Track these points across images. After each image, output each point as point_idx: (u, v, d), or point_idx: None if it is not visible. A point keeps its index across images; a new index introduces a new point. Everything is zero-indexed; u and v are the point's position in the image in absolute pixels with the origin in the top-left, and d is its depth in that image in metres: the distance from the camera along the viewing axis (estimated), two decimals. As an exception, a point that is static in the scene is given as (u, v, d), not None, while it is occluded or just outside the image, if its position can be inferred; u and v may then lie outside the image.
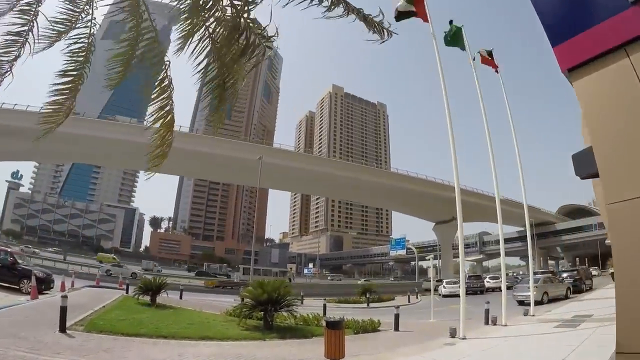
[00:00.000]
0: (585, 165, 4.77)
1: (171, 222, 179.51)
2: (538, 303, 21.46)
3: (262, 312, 13.32)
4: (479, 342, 11.97)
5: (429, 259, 22.32)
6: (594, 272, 52.05)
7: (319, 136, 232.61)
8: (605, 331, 11.89)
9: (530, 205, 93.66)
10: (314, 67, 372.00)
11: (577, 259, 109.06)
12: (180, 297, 24.41)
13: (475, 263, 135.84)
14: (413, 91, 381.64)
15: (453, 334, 12.51)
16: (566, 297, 26.19)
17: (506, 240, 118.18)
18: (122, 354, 8.88)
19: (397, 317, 14.81)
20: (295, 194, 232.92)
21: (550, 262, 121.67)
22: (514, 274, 63.95)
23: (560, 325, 14.13)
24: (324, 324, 8.80)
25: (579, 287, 29.95)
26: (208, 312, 17.30)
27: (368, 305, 27.70)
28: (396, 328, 14.58)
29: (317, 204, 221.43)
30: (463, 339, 12.14)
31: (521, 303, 23.59)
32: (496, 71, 19.80)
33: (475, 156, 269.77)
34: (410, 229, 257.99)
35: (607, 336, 10.94)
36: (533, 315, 17.58)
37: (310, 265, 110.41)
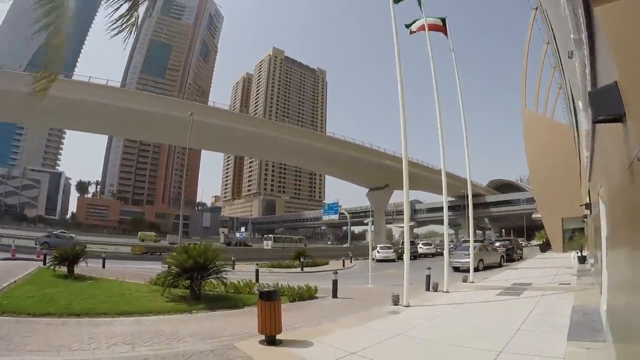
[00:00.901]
0: (608, 104, 3.64)
1: (99, 187, 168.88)
2: (474, 270, 21.45)
3: (189, 280, 11.83)
4: (424, 310, 11.26)
5: (367, 223, 21.42)
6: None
7: (255, 99, 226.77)
8: (550, 300, 12.13)
9: (462, 177, 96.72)
10: (256, 28, 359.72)
11: (503, 230, 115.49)
12: (103, 266, 22.33)
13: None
14: (355, 60, 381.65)
15: (396, 301, 11.77)
16: (500, 265, 26.84)
17: (436, 209, 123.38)
18: (21, 341, 7.19)
19: (335, 283, 13.86)
20: (228, 157, 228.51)
21: (478, 232, 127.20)
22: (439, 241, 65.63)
23: (503, 293, 13.93)
24: (257, 294, 7.59)
25: (511, 256, 31.26)
26: (131, 282, 15.40)
27: (302, 270, 26.75)
28: (334, 295, 13.66)
29: (250, 167, 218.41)
30: (407, 306, 11.41)
31: (457, 269, 23.92)
32: (446, 36, 18.83)
33: (411, 126, 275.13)
34: (343, 194, 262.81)
35: (554, 305, 11.23)
36: (472, 282, 17.33)
37: (243, 229, 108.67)
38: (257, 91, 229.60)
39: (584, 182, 21.37)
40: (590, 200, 16.63)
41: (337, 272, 14.37)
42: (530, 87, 45.04)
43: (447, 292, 14.44)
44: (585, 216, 23.74)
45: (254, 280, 15.89)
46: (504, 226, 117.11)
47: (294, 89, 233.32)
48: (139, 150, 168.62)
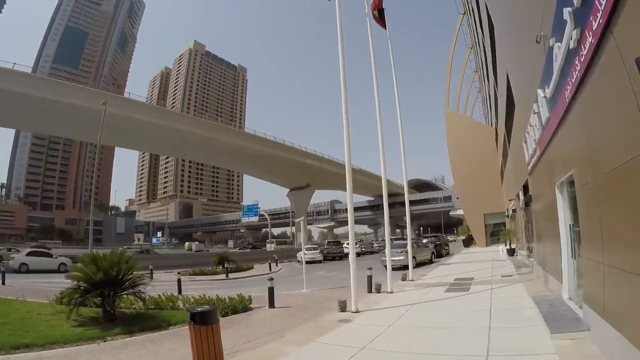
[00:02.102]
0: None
1: (4, 190, 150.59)
2: (406, 267, 20.89)
3: (100, 298, 9.68)
4: (376, 315, 9.97)
5: (300, 222, 19.89)
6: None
7: (173, 95, 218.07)
8: (502, 293, 11.71)
9: (381, 176, 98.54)
10: (178, 20, 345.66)
11: (421, 228, 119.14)
12: (2, 282, 19.20)
13: (326, 230, 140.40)
14: (277, 58, 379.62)
15: (343, 307, 10.49)
16: (431, 262, 26.56)
17: (357, 209, 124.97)
18: None
19: (271, 291, 12.23)
20: (143, 157, 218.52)
21: (397, 230, 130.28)
22: (369, 241, 65.87)
23: (450, 289, 13.24)
24: (188, 315, 5.69)
25: (440, 252, 31.50)
26: (33, 300, 12.34)
27: (227, 276, 24.52)
28: (272, 304, 12.06)
29: (166, 168, 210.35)
30: (356, 312, 10.17)
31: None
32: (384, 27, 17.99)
33: (330, 125, 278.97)
34: (263, 195, 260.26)
35: (510, 298, 10.88)
36: (412, 280, 16.58)
37: (159, 234, 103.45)
38: (175, 86, 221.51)
39: (514, 177, 21.41)
40: (526, 193, 16.42)
41: (272, 279, 12.69)
42: (451, 89, 46.10)
43: (392, 292, 13.44)
44: (515, 210, 23.86)
45: (176, 292, 13.84)
46: (422, 224, 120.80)
47: (214, 85, 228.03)
48: (48, 149, 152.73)
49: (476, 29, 33.91)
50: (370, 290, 13.71)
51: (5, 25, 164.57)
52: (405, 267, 19.60)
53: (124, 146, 78.85)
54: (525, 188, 17.13)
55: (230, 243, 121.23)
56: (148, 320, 9.83)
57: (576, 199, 7.02)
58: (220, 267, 27.45)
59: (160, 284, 16.80)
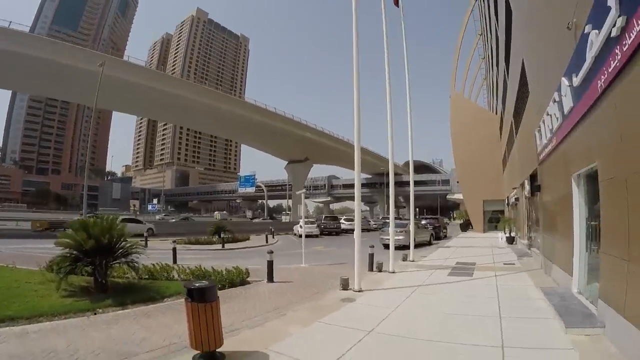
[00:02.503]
0: None
1: None
2: (405, 247, 20.67)
3: (91, 267, 9.16)
4: (381, 295, 9.66)
5: (301, 194, 19.30)
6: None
7: (173, 62, 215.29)
8: (507, 282, 11.37)
9: (381, 155, 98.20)
10: None
11: (417, 209, 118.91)
12: None
13: (322, 205, 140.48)
14: (281, 30, 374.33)
15: (345, 285, 10.17)
16: (430, 244, 26.29)
17: (353, 186, 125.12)
18: None
19: (271, 265, 11.79)
20: (140, 123, 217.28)
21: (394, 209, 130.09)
22: (365, 219, 65.69)
23: (453, 273, 13.02)
24: (185, 292, 5.16)
25: (438, 234, 31.26)
26: (23, 267, 12.02)
27: (223, 246, 24.19)
28: (270, 278, 11.66)
29: (163, 134, 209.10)
30: (359, 291, 9.83)
31: (387, 247, 22.51)
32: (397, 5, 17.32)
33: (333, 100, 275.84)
34: (259, 167, 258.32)
35: (517, 288, 10.43)
36: (412, 261, 16.32)
37: (155, 200, 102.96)
38: (175, 53, 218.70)
39: (520, 165, 21.06)
40: (533, 183, 16.07)
41: (272, 252, 12.09)
42: (458, 75, 45.53)
43: (394, 272, 13.08)
44: (517, 199, 23.56)
45: (171, 262, 13.42)
46: (419, 205, 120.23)
47: (215, 54, 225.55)
48: (44, 112, 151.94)
49: (488, 16, 33.34)
50: (371, 269, 13.40)
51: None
52: (405, 247, 19.43)
53: (121, 110, 77.56)
54: (533, 177, 16.80)
55: (249, 213, 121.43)
56: (141, 292, 9.38)
57: (596, 192, 6.79)
58: (216, 237, 27.04)
59: (155, 252, 16.40)
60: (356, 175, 10.97)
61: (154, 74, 66.88)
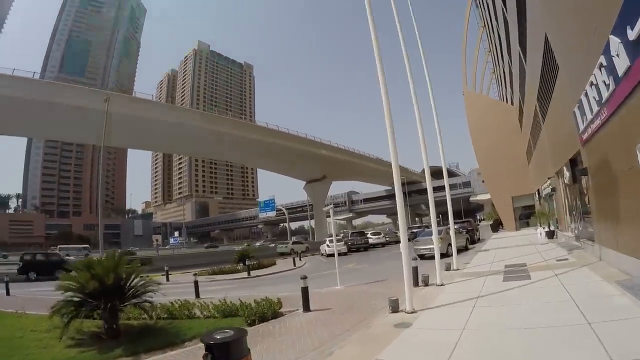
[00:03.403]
0: None
1: (20, 200, 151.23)
2: (443, 255, 19.18)
3: (101, 310, 8.00)
4: (439, 315, 8.17)
5: (329, 209, 17.68)
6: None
7: (182, 96, 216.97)
8: (570, 279, 10.08)
9: (400, 165, 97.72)
10: (180, 21, 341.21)
11: (441, 215, 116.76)
12: (7, 293, 17.61)
13: (344, 222, 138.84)
14: (286, 51, 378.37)
15: (395, 307, 8.68)
16: (466, 249, 24.76)
17: (374, 199, 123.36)
18: None
19: (306, 292, 10.34)
20: (156, 158, 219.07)
21: (416, 219, 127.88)
22: (392, 230, 64.16)
23: (508, 278, 11.51)
24: (204, 347, 3.67)
25: (472, 238, 29.76)
26: (33, 313, 10.99)
27: (249, 274, 22.85)
28: (306, 307, 10.19)
29: (179, 167, 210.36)
30: (412, 312, 8.33)
31: (422, 257, 21.23)
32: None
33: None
34: (278, 190, 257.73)
35: (585, 284, 9.25)
36: (457, 269, 14.79)
37: (176, 234, 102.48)
38: (182, 88, 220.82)
39: (553, 153, 19.74)
40: (574, 167, 14.76)
41: (306, 277, 10.61)
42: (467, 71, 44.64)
43: (442, 285, 11.61)
44: (554, 189, 22.05)
45: (191, 298, 12.21)
46: (441, 211, 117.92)
47: (221, 83, 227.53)
48: (60, 157, 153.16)
49: (493, 3, 32.37)
50: (416, 284, 11.77)
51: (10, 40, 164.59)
52: (442, 256, 17.90)
53: (134, 147, 77.77)
54: (573, 162, 15.44)
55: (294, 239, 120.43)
56: (158, 335, 8.19)
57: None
58: (241, 264, 25.82)
59: (175, 287, 15.26)
60: (396, 184, 9.58)
61: (159, 105, 66.42)
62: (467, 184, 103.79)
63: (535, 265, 13.35)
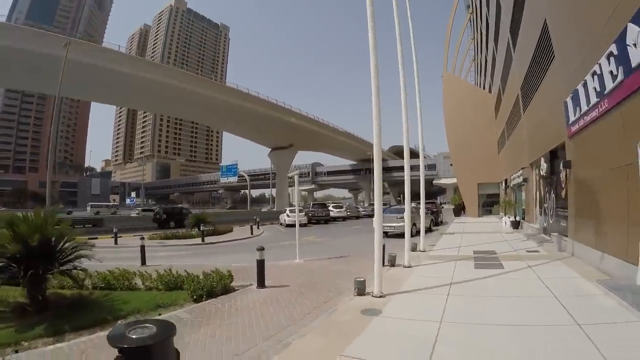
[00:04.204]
0: None
1: None
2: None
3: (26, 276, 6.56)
4: (411, 302, 7.31)
5: (294, 176, 16.36)
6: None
7: (152, 52, 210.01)
8: (546, 273, 9.49)
9: (366, 140, 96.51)
10: None
11: (402, 195, 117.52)
12: None
13: (307, 193, 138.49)
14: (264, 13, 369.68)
15: (362, 289, 7.78)
16: (429, 230, 24.11)
17: (338, 173, 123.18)
18: None
19: (261, 266, 9.18)
20: (119, 115, 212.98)
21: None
22: (353, 205, 63.95)
23: (479, 265, 10.98)
24: (117, 350, 2.49)
25: (436, 220, 29.69)
26: None
27: (203, 240, 21.52)
28: (261, 283, 9.10)
29: (143, 126, 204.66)
30: (381, 297, 7.47)
31: (385, 234, 20.62)
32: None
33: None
34: (242, 156, 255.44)
35: (563, 279, 8.72)
36: (423, 251, 14.17)
37: (133, 194, 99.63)
38: (154, 43, 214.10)
39: (531, 143, 19.36)
40: (560, 159, 14.30)
41: (263, 249, 9.37)
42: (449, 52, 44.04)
43: (410, 266, 10.91)
44: (526, 179, 21.71)
45: (138, 263, 11.02)
46: (402, 191, 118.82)
47: (195, 43, 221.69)
48: (20, 109, 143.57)
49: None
50: (382, 264, 10.93)
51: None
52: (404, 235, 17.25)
53: (98, 100, 73.93)
54: (553, 153, 15.12)
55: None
56: (91, 310, 6.97)
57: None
58: (196, 229, 24.51)
59: (123, 251, 13.99)
60: (376, 160, 8.54)
61: (124, 57, 62.59)
62: (432, 167, 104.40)
63: (505, 254, 12.86)
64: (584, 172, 11.00)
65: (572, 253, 11.72)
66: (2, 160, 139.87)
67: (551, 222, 15.79)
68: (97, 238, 22.69)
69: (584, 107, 9.85)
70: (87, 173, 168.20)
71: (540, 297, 7.27)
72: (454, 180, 67.64)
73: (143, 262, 12.64)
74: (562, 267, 10.22)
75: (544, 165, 16.44)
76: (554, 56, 13.08)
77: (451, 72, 43.67)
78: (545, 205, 16.99)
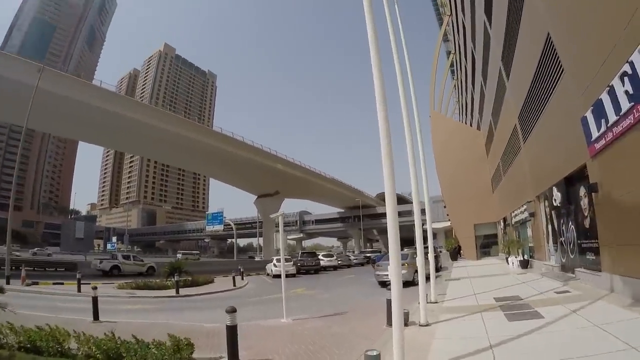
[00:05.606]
0: None
1: None
2: (409, 284, 16.86)
3: None
4: None
5: (277, 217, 13.74)
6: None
7: (141, 96, 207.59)
8: (597, 317, 7.48)
9: (355, 188, 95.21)
10: (149, 21, 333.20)
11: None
12: None
13: (294, 242, 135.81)
14: (251, 65, 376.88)
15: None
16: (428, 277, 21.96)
17: (326, 221, 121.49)
18: None
19: (232, 332, 6.67)
20: (107, 158, 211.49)
21: (367, 244, 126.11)
22: (344, 254, 61.64)
23: (511, 316, 8.83)
24: None
25: (436, 266, 26.87)
26: None
27: (177, 292, 19.02)
28: (233, 357, 6.60)
29: (130, 171, 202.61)
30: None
31: (384, 284, 18.94)
32: None
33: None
34: (229, 205, 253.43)
35: (626, 326, 6.60)
36: (435, 302, 11.86)
37: (114, 239, 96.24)
38: (143, 87, 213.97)
39: (536, 173, 17.99)
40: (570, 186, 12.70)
41: (235, 311, 6.81)
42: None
43: (428, 324, 8.61)
44: (532, 214, 19.99)
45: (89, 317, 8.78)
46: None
47: (182, 89, 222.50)
48: (6, 145, 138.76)
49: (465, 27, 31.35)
50: (391, 323, 8.51)
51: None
52: (406, 284, 15.04)
53: (80, 138, 72.09)
54: (568, 180, 13.52)
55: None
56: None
57: None
58: (172, 279, 21.93)
59: (86, 300, 11.66)
60: (388, 199, 6.63)
61: (120, 97, 60.47)
62: (422, 212, 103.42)
63: (533, 299, 10.84)
64: (618, 192, 9.30)
65: (611, 289, 9.92)
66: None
67: (572, 256, 13.92)
68: (62, 284, 21.69)
69: (612, 118, 8.54)
70: (72, 216, 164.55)
71: (616, 352, 5.36)
72: (444, 224, 66.20)
73: (95, 317, 10.30)
74: (610, 307, 8.42)
75: (557, 195, 14.89)
76: (562, 69, 11.76)
77: (437, 111, 42.87)
78: (562, 238, 15.11)
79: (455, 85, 54.71)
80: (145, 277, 27.25)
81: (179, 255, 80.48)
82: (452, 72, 53.20)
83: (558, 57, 11.83)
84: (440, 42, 44.69)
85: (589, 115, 9.75)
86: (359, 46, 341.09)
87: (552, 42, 12.14)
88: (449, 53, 53.29)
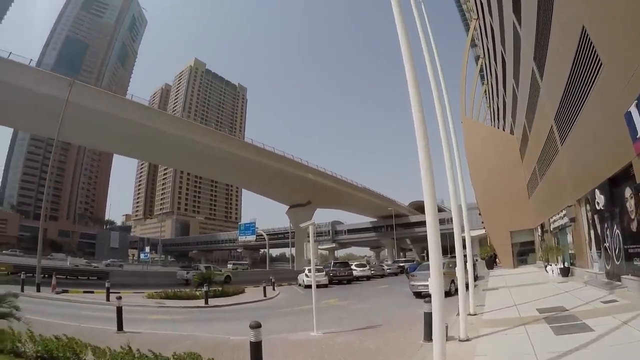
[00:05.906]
0: None
1: None
2: (445, 294, 15.65)
3: None
4: None
5: (308, 225, 13.22)
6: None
7: (173, 110, 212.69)
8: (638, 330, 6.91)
9: (388, 197, 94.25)
10: (180, 36, 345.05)
11: (425, 251, 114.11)
12: None
13: (327, 252, 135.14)
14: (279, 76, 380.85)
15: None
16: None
17: (359, 230, 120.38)
18: None
19: (257, 349, 6.13)
20: (141, 171, 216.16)
21: (400, 253, 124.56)
22: (378, 263, 60.80)
23: (557, 330, 8.08)
24: None
25: (474, 275, 25.94)
26: None
27: (207, 302, 18.84)
28: None
29: (164, 183, 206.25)
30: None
31: (418, 295, 18.14)
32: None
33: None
34: (261, 216, 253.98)
35: None
36: (474, 314, 11.10)
37: (147, 249, 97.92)
38: (175, 102, 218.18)
39: (575, 176, 17.11)
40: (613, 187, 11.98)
41: (259, 326, 6.16)
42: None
43: (468, 339, 8.03)
44: (573, 219, 19.06)
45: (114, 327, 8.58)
46: (425, 246, 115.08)
47: (214, 102, 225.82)
48: (43, 158, 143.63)
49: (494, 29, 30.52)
50: (429, 338, 7.79)
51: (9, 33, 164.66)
52: (445, 294, 14.32)
53: (116, 152, 73.77)
54: (613, 181, 12.63)
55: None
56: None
57: None
58: (201, 289, 21.63)
59: (113, 309, 11.54)
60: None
61: (154, 112, 61.81)
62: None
63: (580, 310, 10.08)
64: None
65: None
66: (24, 206, 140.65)
67: (617, 263, 12.99)
68: (92, 292, 21.83)
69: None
70: (107, 226, 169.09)
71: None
72: (479, 232, 64.54)
73: (119, 328, 10.10)
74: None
75: (600, 198, 14.01)
76: (600, 63, 11.04)
77: (469, 117, 41.90)
78: (606, 244, 14.19)
79: (485, 91, 53.63)
80: (220, 285, 25.94)
81: (230, 266, 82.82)
82: (482, 77, 52.34)
83: (595, 51, 11.08)
84: (469, 48, 43.84)
85: (633, 110, 9.05)
86: (390, 52, 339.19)
87: (587, 35, 11.38)
88: (477, 58, 52.34)
